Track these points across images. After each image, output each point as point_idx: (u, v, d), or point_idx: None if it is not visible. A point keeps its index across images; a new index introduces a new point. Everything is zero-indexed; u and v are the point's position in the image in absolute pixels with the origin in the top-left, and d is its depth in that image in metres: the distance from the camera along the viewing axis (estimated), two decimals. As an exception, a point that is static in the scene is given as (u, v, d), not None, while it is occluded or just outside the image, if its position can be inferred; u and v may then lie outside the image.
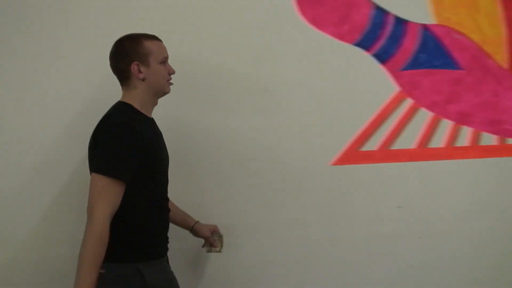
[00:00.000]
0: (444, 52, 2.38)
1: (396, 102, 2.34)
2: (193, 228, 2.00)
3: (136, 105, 1.67)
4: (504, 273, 2.37)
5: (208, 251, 2.03)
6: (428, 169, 2.37)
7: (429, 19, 2.36)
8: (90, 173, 1.58)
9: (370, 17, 2.32)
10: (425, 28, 2.36)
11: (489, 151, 2.39)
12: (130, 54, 1.66)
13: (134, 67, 1.65)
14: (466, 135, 2.40)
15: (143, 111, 1.68)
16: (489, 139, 2.39)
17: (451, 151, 2.40)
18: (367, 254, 2.31)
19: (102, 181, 1.52)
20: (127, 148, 1.56)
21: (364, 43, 2.32)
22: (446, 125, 2.39)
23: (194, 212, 2.05)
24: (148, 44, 1.68)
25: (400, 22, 2.33)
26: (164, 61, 1.71)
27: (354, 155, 2.32)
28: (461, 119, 2.39)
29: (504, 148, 2.39)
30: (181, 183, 2.07)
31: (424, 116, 2.36)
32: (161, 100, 1.79)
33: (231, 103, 2.25)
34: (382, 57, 2.33)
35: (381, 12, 2.32)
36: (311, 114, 2.30)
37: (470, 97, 2.38)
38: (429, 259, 2.34)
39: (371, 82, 2.34)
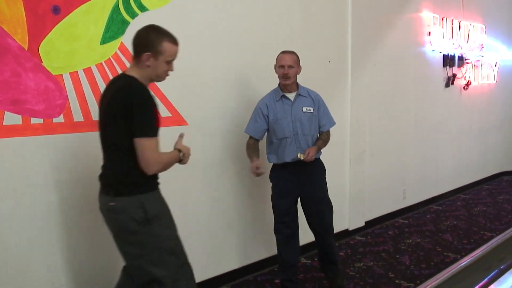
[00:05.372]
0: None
1: None
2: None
3: (141, 80, 2.20)
4: None
5: None
6: None
7: None
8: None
9: None
10: None
11: (14, 131, 2.41)
12: (150, 46, 2.17)
13: (146, 56, 2.17)
14: (-11, 115, 2.33)
15: (146, 85, 2.21)
16: (14, 118, 2.41)
17: (-28, 132, 2.29)
18: None
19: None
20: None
21: None
22: (-35, 104, 2.26)
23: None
24: (168, 46, 2.20)
25: None
26: (169, 61, 2.23)
27: None
28: (-19, 99, 2.30)
29: (28, 127, 2.46)
30: None
31: None
32: None
33: None
34: None
35: None
36: None
37: (-11, 76, 2.31)
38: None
39: None
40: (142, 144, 2.10)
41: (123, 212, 2.15)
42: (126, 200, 2.15)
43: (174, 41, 2.23)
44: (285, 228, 3.25)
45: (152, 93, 2.18)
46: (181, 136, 2.37)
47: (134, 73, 2.20)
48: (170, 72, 2.30)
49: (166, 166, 2.23)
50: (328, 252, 3.42)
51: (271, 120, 3.21)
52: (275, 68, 3.25)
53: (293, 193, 3.25)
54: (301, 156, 3.12)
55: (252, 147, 3.25)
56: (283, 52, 3.23)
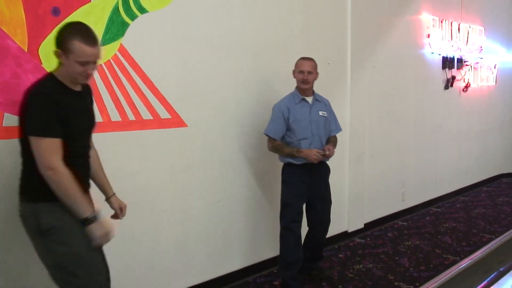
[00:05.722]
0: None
1: None
2: (109, 199, 2.34)
3: (59, 78, 2.05)
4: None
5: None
6: None
7: None
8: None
9: None
10: None
11: (14, 132, 2.39)
12: (60, 43, 1.99)
13: (56, 52, 2.01)
14: (-12, 116, 2.33)
15: (66, 83, 2.06)
16: (13, 120, 2.40)
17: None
18: None
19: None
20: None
21: None
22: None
23: None
24: (77, 45, 1.97)
25: None
26: (82, 62, 1.99)
27: None
28: (-18, 100, 2.30)
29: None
30: None
31: None
32: None
33: None
34: None
35: None
36: None
37: (-11, 77, 2.31)
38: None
39: None
40: (32, 142, 1.97)
41: (24, 219, 2.07)
42: (25, 207, 2.06)
43: (87, 42, 1.99)
44: (296, 227, 3.36)
45: (56, 91, 2.01)
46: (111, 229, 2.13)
47: (55, 70, 2.08)
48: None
49: (61, 187, 1.97)
50: (320, 248, 3.64)
51: (290, 121, 3.33)
52: (293, 73, 3.40)
53: (306, 193, 3.39)
54: (324, 153, 3.28)
55: (284, 144, 3.36)
56: (303, 59, 3.40)
